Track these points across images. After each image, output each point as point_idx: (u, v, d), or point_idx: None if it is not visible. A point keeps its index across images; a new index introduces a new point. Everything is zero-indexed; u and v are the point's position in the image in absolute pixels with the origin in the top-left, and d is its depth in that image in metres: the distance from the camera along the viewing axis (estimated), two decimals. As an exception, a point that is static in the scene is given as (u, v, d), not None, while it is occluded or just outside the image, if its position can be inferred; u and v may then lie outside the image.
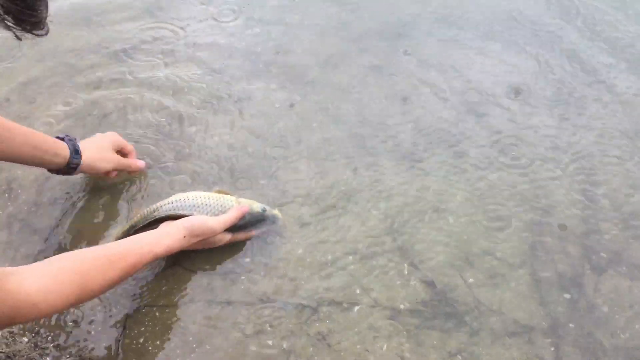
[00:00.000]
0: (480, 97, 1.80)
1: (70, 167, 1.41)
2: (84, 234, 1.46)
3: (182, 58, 1.95)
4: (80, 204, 1.52)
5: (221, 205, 1.38)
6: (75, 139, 1.44)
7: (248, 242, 1.44)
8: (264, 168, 1.61)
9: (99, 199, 1.54)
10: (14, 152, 1.32)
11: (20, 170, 1.60)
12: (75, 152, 1.41)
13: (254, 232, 1.43)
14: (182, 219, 1.32)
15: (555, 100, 1.79)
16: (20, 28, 0.64)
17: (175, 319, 1.31)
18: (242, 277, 1.38)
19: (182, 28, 2.07)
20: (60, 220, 1.49)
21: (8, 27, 0.62)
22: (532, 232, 1.46)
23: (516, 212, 1.50)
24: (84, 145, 1.44)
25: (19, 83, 1.85)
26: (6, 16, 0.61)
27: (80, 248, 1.40)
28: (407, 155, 1.64)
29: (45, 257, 1.39)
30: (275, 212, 1.46)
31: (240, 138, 1.69)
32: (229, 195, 1.43)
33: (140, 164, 1.56)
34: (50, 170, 1.44)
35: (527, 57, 1.94)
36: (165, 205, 1.37)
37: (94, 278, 1.11)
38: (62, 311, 1.12)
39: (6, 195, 1.55)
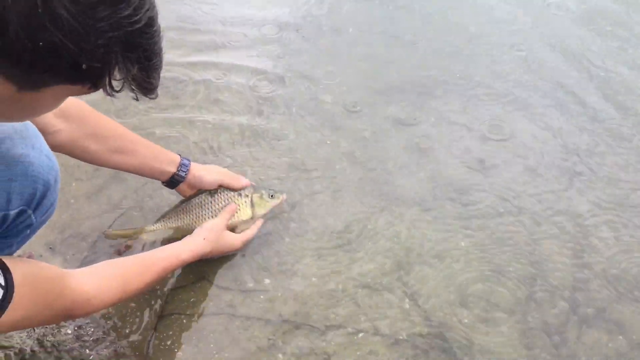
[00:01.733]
0: (491, 157, 1.98)
1: (178, 174, 1.58)
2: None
3: (225, 98, 2.17)
4: (126, 217, 1.72)
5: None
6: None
7: (268, 266, 1.62)
8: (289, 200, 1.79)
9: (144, 212, 1.73)
10: (135, 164, 1.53)
11: (75, 183, 1.80)
12: (184, 165, 1.60)
13: (258, 225, 1.66)
14: (199, 227, 1.55)
15: (559, 166, 1.97)
16: (139, 91, 0.83)
17: (199, 327, 1.48)
18: (262, 297, 1.55)
19: (224, 73, 2.30)
20: (106, 230, 1.68)
21: (132, 89, 0.82)
22: (525, 282, 1.61)
23: (513, 263, 1.66)
24: (193, 164, 1.63)
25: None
26: (132, 81, 0.80)
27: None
28: (419, 203, 1.82)
29: (90, 262, 1.60)
30: (281, 195, 1.69)
31: (270, 173, 1.88)
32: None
33: (245, 182, 1.68)
34: (163, 183, 1.62)
35: (545, 126, 2.13)
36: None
37: (133, 280, 1.30)
38: (109, 307, 1.31)
39: (60, 203, 1.75)
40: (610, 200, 1.86)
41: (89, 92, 0.83)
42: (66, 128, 1.39)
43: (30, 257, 1.58)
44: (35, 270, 1.08)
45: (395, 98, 2.21)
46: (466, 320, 1.53)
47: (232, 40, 2.50)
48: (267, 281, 1.59)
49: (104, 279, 1.24)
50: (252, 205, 1.66)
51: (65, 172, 1.79)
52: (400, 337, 1.48)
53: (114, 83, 0.79)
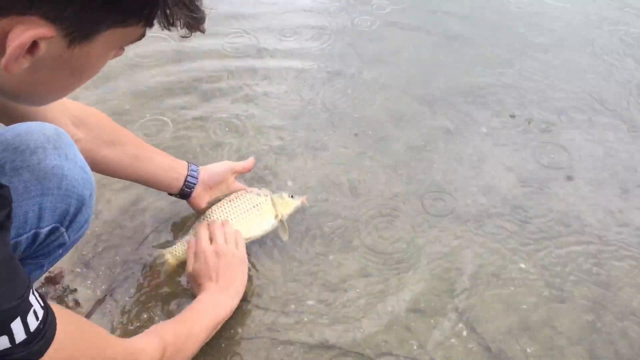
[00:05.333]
0: (549, 171, 1.84)
1: (191, 175, 1.51)
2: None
3: (261, 103, 2.08)
4: (161, 231, 1.63)
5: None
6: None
7: (311, 286, 1.50)
8: (332, 214, 1.68)
9: (178, 229, 1.64)
10: (151, 171, 1.46)
11: (108, 194, 1.72)
12: (194, 166, 1.53)
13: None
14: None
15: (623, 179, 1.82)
16: (190, 20, 0.75)
17: (239, 351, 1.37)
18: (305, 319, 1.44)
19: (265, 77, 2.21)
20: (141, 244, 1.59)
21: (184, 18, 0.74)
22: (593, 309, 1.47)
23: (579, 287, 1.52)
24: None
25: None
26: (182, 7, 0.73)
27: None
28: (472, 220, 1.69)
29: (123, 279, 1.52)
30: (301, 197, 1.62)
31: (312, 183, 1.78)
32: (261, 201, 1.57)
33: (252, 160, 1.65)
34: (171, 194, 1.55)
35: (594, 141, 1.98)
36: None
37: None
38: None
39: (93, 214, 1.67)
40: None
41: (139, 37, 0.76)
42: (85, 137, 1.32)
43: (61, 273, 1.50)
44: (79, 319, 0.94)
45: (443, 107, 2.09)
46: (529, 350, 1.39)
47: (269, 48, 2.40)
48: (310, 302, 1.48)
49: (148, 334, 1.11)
50: (273, 204, 1.57)
51: (98, 183, 1.70)
52: (458, 368, 1.36)
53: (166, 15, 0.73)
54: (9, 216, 0.72)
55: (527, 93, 2.16)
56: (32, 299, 0.76)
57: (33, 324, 0.75)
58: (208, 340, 1.31)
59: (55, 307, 0.82)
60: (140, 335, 1.10)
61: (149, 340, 1.06)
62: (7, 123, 1.09)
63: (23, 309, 0.74)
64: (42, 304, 0.78)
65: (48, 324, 0.78)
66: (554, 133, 1.99)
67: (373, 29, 2.48)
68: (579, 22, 2.57)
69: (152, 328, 1.15)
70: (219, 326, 1.34)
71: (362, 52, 2.35)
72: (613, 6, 2.70)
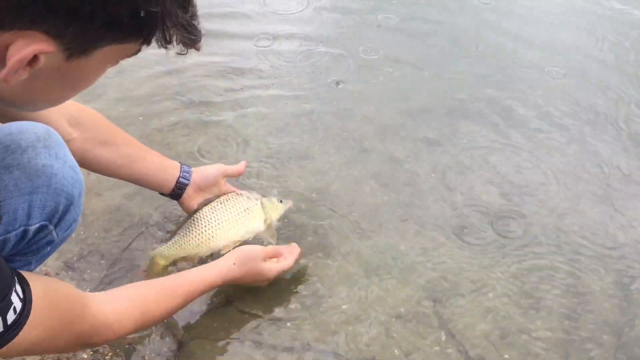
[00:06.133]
0: (530, 184, 1.89)
1: (183, 177, 1.52)
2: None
3: (248, 112, 2.11)
4: (147, 234, 1.65)
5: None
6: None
7: (296, 291, 1.53)
8: (316, 225, 1.71)
9: (165, 230, 1.66)
10: (143, 171, 1.48)
11: (94, 198, 1.74)
12: (186, 168, 1.55)
13: (295, 256, 1.51)
14: (235, 249, 1.44)
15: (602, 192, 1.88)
16: (187, 40, 0.77)
17: (222, 354, 1.39)
18: (288, 324, 1.46)
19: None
20: (127, 247, 1.61)
21: (181, 37, 0.76)
22: (568, 317, 1.51)
23: (555, 296, 1.56)
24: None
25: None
26: (180, 28, 0.75)
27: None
28: (453, 229, 1.73)
29: (109, 282, 1.53)
30: (288, 201, 1.65)
31: (296, 192, 1.80)
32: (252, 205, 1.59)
33: (243, 163, 1.65)
34: (162, 193, 1.56)
35: (577, 148, 2.04)
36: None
37: (156, 304, 1.20)
38: (128, 335, 1.18)
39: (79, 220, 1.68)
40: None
41: (135, 52, 0.78)
42: (80, 136, 1.35)
43: (47, 275, 1.51)
44: (55, 286, 0.99)
45: (426, 119, 2.14)
46: (506, 356, 1.43)
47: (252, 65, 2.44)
48: (294, 307, 1.50)
49: (124, 305, 1.13)
50: (263, 207, 1.59)
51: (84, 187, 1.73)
52: (437, 373, 1.39)
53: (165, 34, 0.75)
54: None
55: (509, 108, 2.22)
56: (13, 297, 0.82)
57: (11, 317, 0.82)
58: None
59: (32, 278, 0.88)
60: (125, 303, 1.13)
61: (123, 319, 1.10)
62: (3, 121, 1.11)
63: (3, 310, 0.80)
64: (22, 296, 0.84)
65: (24, 315, 0.84)
66: (537, 145, 2.04)
67: (360, 42, 2.53)
68: (563, 37, 2.64)
69: (145, 301, 1.18)
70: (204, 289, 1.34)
71: (347, 65, 2.39)
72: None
